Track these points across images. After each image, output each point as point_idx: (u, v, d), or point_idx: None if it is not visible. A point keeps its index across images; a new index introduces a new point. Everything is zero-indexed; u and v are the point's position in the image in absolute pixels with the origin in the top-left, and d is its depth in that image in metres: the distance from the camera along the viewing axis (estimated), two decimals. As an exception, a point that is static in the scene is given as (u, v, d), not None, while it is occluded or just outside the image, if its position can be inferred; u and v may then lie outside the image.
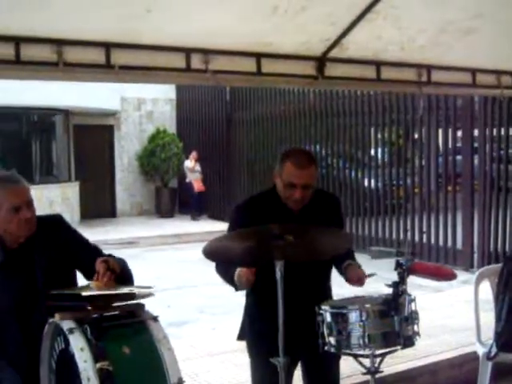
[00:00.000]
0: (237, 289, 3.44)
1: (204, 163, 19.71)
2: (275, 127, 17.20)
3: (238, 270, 3.34)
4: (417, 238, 12.79)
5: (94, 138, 20.13)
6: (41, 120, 18.81)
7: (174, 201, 20.95)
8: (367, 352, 3.15)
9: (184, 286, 10.64)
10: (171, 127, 21.57)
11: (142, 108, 21.30)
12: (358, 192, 14.41)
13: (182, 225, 18.62)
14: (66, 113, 18.80)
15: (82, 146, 19.59)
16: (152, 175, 20.64)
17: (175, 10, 3.75)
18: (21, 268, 3.13)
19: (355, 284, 3.60)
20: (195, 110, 20.92)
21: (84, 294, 2.78)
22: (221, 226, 17.56)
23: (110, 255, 3.26)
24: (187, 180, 19.76)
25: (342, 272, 3.72)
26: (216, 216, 19.41)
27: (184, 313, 8.85)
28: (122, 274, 3.06)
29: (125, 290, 2.93)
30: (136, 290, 2.84)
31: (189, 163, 19.58)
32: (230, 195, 18.89)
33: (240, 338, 3.85)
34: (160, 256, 13.84)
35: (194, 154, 19.58)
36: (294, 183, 3.47)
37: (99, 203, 20.26)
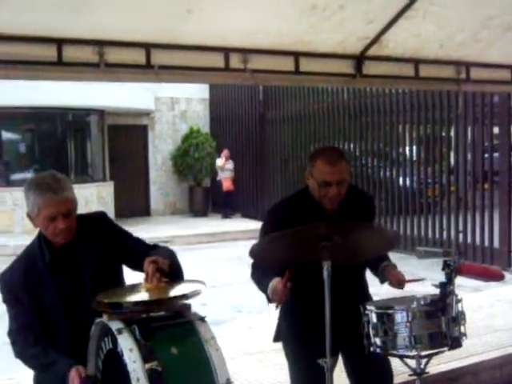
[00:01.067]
0: (270, 301, 3.39)
1: (237, 162, 19.74)
2: (308, 126, 17.16)
3: (273, 283, 3.30)
4: (453, 236, 12.66)
5: (128, 137, 20.30)
6: (76, 120, 18.95)
7: (207, 200, 21.01)
8: (413, 353, 3.12)
9: (219, 284, 10.65)
10: (204, 127, 21.64)
11: (176, 108, 21.41)
12: (392, 191, 14.31)
13: (216, 224, 18.68)
14: (101, 113, 18.95)
15: (116, 146, 19.76)
16: (185, 174, 20.71)
17: (214, 10, 3.76)
18: (68, 266, 3.16)
19: (395, 286, 3.56)
20: (228, 110, 20.97)
21: (134, 299, 2.78)
22: (254, 225, 17.58)
23: (155, 246, 3.28)
24: (218, 178, 19.88)
25: (377, 273, 3.68)
26: (249, 215, 19.43)
27: (220, 312, 8.86)
28: (170, 268, 3.05)
29: (177, 289, 2.92)
30: (188, 291, 2.82)
31: (219, 161, 19.64)
32: (264, 194, 18.90)
33: (276, 339, 3.82)
34: (195, 255, 13.87)
35: (225, 152, 19.64)
36: (327, 181, 3.40)
37: (133, 202, 20.40)
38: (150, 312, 2.76)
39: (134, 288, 2.94)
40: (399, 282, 3.53)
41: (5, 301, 3.17)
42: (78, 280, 3.14)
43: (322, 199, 3.48)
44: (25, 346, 3.09)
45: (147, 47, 3.95)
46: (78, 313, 3.08)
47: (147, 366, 2.45)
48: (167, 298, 2.87)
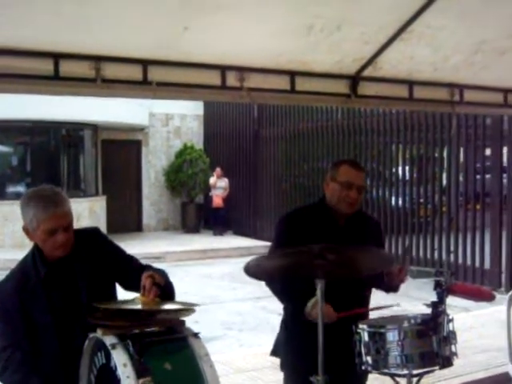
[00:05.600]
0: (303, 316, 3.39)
1: (230, 179, 19.76)
2: (302, 144, 17.22)
3: (314, 304, 3.28)
4: (444, 256, 12.70)
5: (121, 152, 20.30)
6: (69, 134, 18.95)
7: (200, 216, 21.01)
8: (405, 372, 3.13)
9: (210, 301, 10.64)
10: (198, 143, 21.69)
11: (170, 123, 21.45)
12: (384, 210, 14.35)
13: (208, 240, 18.68)
14: (95, 128, 18.95)
15: (109, 161, 19.76)
16: (178, 191, 20.72)
17: (211, 28, 3.78)
18: (62, 281, 3.13)
19: (398, 279, 3.53)
20: (223, 126, 21.03)
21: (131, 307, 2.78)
22: (246, 243, 17.60)
23: (147, 265, 3.27)
24: (210, 194, 19.95)
25: (383, 285, 3.67)
26: (242, 232, 19.42)
27: (211, 329, 8.82)
28: (164, 287, 3.06)
29: (172, 306, 2.92)
30: (183, 307, 2.83)
31: (212, 179, 19.69)
32: (256, 212, 18.92)
33: (273, 353, 3.83)
34: (186, 271, 13.86)
35: (217, 171, 19.70)
36: (351, 182, 3.51)
37: (126, 218, 20.37)
38: (144, 327, 2.76)
39: (129, 301, 2.93)
40: (400, 270, 3.51)
41: None
42: (71, 295, 3.11)
43: (342, 202, 3.56)
44: (7, 367, 3.02)
45: (144, 63, 3.96)
46: (69, 328, 3.04)
47: (141, 381, 2.43)
48: (167, 309, 2.88)
